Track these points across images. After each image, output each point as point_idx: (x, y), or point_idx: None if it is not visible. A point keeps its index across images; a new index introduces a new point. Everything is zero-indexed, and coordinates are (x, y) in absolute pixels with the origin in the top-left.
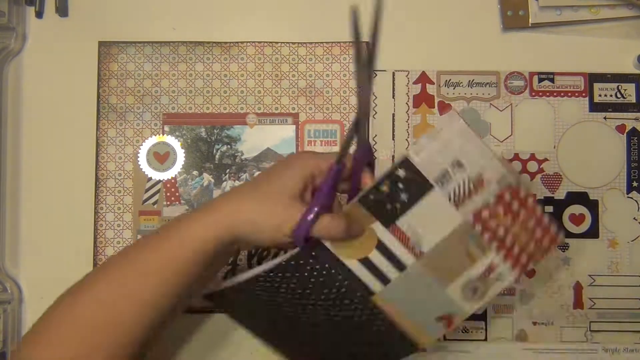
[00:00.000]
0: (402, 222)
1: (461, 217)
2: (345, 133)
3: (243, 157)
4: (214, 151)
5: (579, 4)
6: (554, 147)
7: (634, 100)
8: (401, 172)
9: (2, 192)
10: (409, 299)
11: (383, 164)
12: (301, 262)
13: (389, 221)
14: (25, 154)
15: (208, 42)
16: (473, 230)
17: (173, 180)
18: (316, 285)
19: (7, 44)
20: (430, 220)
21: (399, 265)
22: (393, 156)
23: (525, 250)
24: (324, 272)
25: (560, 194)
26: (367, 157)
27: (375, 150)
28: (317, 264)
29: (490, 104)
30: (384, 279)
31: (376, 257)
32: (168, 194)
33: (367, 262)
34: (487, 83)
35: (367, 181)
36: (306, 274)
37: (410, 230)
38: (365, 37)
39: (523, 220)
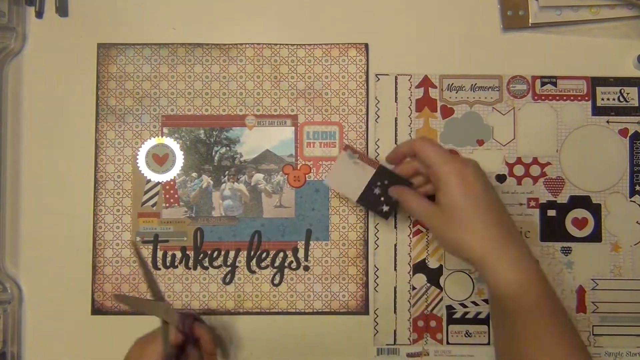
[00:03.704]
0: None
1: None
2: None
3: (242, 159)
4: (213, 153)
5: (579, 4)
6: (557, 151)
7: (636, 104)
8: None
9: (2, 193)
10: None
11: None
12: None
13: None
14: (25, 155)
15: (207, 44)
16: None
17: (172, 182)
18: None
19: (7, 44)
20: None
21: None
22: None
23: None
24: None
25: (563, 198)
26: (188, 323)
27: (378, 154)
28: None
29: (493, 107)
30: None
31: None
32: (167, 196)
33: None
34: (490, 87)
35: (202, 333)
36: None
37: None
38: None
39: None
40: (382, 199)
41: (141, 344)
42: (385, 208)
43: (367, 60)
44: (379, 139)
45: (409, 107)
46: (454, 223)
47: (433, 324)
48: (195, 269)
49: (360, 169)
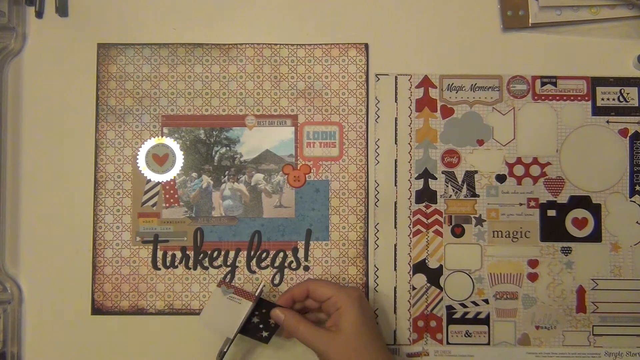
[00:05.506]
0: None
1: None
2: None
3: (242, 159)
4: (213, 153)
5: (579, 4)
6: (557, 151)
7: (636, 104)
8: None
9: (2, 193)
10: None
11: (385, 167)
12: None
13: None
14: (25, 155)
15: (207, 44)
16: None
17: (172, 182)
18: None
19: (7, 44)
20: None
21: None
22: (396, 160)
23: None
24: None
25: (563, 198)
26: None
27: (378, 154)
28: None
29: (493, 107)
30: None
31: None
32: (167, 196)
33: None
34: (490, 87)
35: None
36: None
37: None
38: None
39: None
40: (261, 326)
41: None
42: (265, 333)
43: (367, 60)
44: (379, 139)
45: (409, 107)
46: (354, 347)
47: (433, 324)
48: (195, 269)
49: (235, 304)
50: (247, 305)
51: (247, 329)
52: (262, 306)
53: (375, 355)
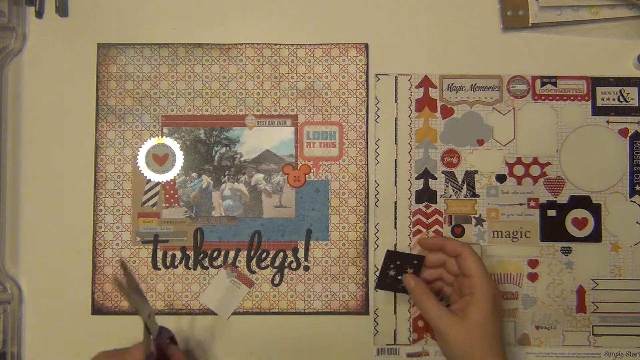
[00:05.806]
0: None
1: None
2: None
3: (242, 159)
4: (213, 153)
5: (579, 4)
6: (557, 151)
7: (636, 104)
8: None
9: (2, 193)
10: None
11: (385, 167)
12: None
13: None
14: (25, 155)
15: (207, 44)
16: None
17: (172, 182)
18: None
19: (7, 44)
20: None
21: None
22: (396, 160)
23: None
24: None
25: (563, 198)
26: (166, 336)
27: (378, 154)
28: None
29: (493, 107)
30: None
31: None
32: (167, 196)
33: None
34: (490, 87)
35: (175, 355)
36: None
37: None
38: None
39: None
40: (399, 277)
41: (109, 357)
42: None
43: (367, 60)
44: (379, 139)
45: (409, 107)
46: (475, 337)
47: None
48: (195, 269)
49: (235, 287)
50: (245, 291)
51: (387, 283)
52: (395, 258)
53: (491, 351)
